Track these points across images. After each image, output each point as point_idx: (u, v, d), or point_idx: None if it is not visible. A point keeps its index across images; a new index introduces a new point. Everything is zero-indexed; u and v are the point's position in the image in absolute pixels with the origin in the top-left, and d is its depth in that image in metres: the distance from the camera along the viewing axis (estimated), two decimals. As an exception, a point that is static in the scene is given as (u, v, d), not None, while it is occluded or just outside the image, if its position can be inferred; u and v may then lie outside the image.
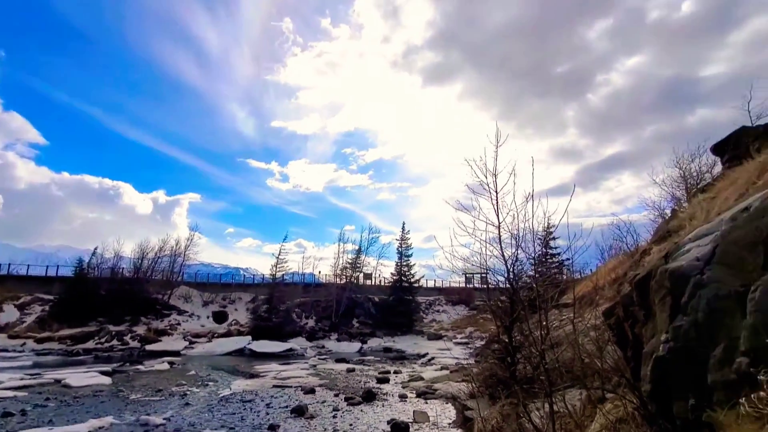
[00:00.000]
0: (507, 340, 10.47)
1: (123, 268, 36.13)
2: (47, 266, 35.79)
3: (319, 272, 45.27)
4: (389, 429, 9.96)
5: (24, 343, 25.29)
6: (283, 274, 38.06)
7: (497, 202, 6.88)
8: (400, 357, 27.17)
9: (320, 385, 16.14)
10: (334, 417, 11.36)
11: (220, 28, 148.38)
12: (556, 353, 6.55)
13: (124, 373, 18.30)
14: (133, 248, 37.94)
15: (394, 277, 41.14)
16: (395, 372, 19.83)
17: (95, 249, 35.04)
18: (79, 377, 16.32)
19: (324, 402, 13.26)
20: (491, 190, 6.93)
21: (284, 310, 34.79)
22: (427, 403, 13.04)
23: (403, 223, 41.89)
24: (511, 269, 8.12)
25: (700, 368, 2.87)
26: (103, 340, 27.92)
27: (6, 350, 23.90)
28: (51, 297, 30.22)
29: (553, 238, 20.50)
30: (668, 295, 3.35)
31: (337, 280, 40.34)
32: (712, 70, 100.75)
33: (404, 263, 40.80)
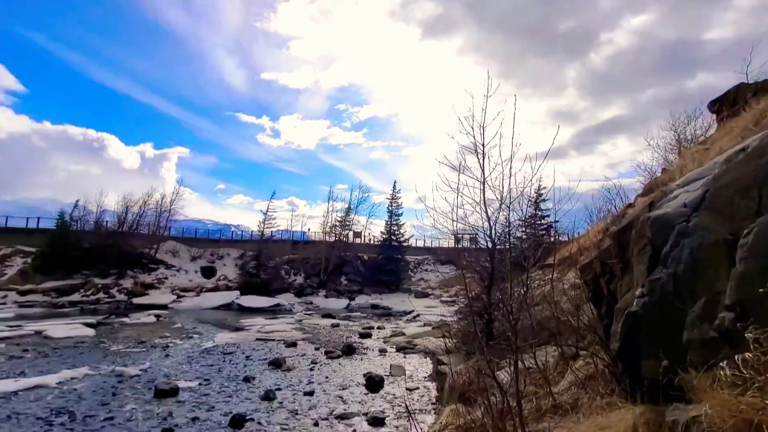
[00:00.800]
0: (486, 298, 10.46)
1: (107, 222, 35.49)
2: (27, 218, 34.93)
3: (309, 230, 45.14)
4: (364, 382, 10.00)
5: (6, 296, 24.97)
6: (271, 231, 37.74)
7: (483, 157, 6.51)
8: (386, 314, 27.57)
9: (303, 339, 16.26)
10: (311, 370, 11.41)
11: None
12: (533, 311, 6.39)
13: (109, 326, 18.26)
14: (117, 201, 37.08)
15: (384, 236, 41.15)
16: (379, 328, 20.07)
17: (77, 201, 34.20)
18: (60, 329, 16.19)
19: (304, 355, 13.33)
20: (478, 144, 6.53)
21: (273, 266, 34.82)
22: (405, 357, 13.17)
23: (395, 182, 41.49)
24: (493, 227, 7.87)
25: (674, 325, 2.56)
26: (89, 292, 27.75)
27: (-14, 301, 23.67)
28: (33, 249, 29.60)
29: (544, 200, 20.23)
30: (648, 245, 2.99)
31: (327, 238, 40.21)
32: (716, 34, 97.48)
33: (394, 222, 40.73)
